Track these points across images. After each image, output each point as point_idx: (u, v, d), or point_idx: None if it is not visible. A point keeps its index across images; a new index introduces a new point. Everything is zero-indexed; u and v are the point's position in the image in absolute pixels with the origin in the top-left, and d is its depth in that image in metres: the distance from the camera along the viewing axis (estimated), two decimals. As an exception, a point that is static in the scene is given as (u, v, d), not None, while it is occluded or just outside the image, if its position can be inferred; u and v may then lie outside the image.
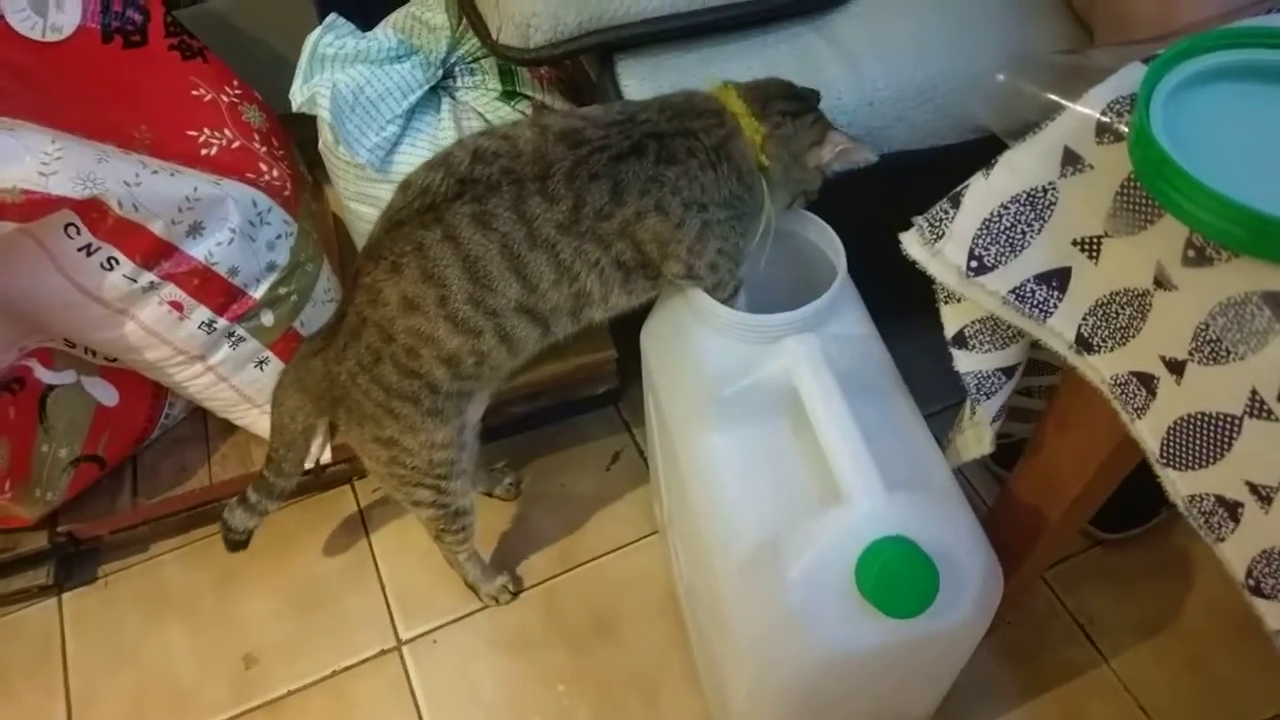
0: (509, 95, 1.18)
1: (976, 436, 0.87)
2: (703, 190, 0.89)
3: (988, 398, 0.81)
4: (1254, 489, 0.59)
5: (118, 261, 1.05)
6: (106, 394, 1.24)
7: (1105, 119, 0.64)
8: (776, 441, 0.87)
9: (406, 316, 0.90)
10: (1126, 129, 0.63)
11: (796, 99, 0.95)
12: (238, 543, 1.20)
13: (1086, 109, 0.65)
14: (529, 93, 1.19)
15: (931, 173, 1.07)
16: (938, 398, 1.07)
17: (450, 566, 1.26)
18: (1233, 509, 0.62)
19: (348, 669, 1.24)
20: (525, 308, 0.90)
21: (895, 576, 0.73)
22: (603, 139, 0.88)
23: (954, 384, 0.82)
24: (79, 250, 1.02)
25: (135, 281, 1.07)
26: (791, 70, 1.06)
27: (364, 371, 0.95)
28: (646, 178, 0.87)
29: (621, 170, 0.87)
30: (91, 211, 1.00)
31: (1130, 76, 0.65)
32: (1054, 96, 0.67)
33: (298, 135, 1.37)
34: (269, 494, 1.15)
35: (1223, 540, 0.63)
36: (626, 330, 1.06)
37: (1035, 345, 0.76)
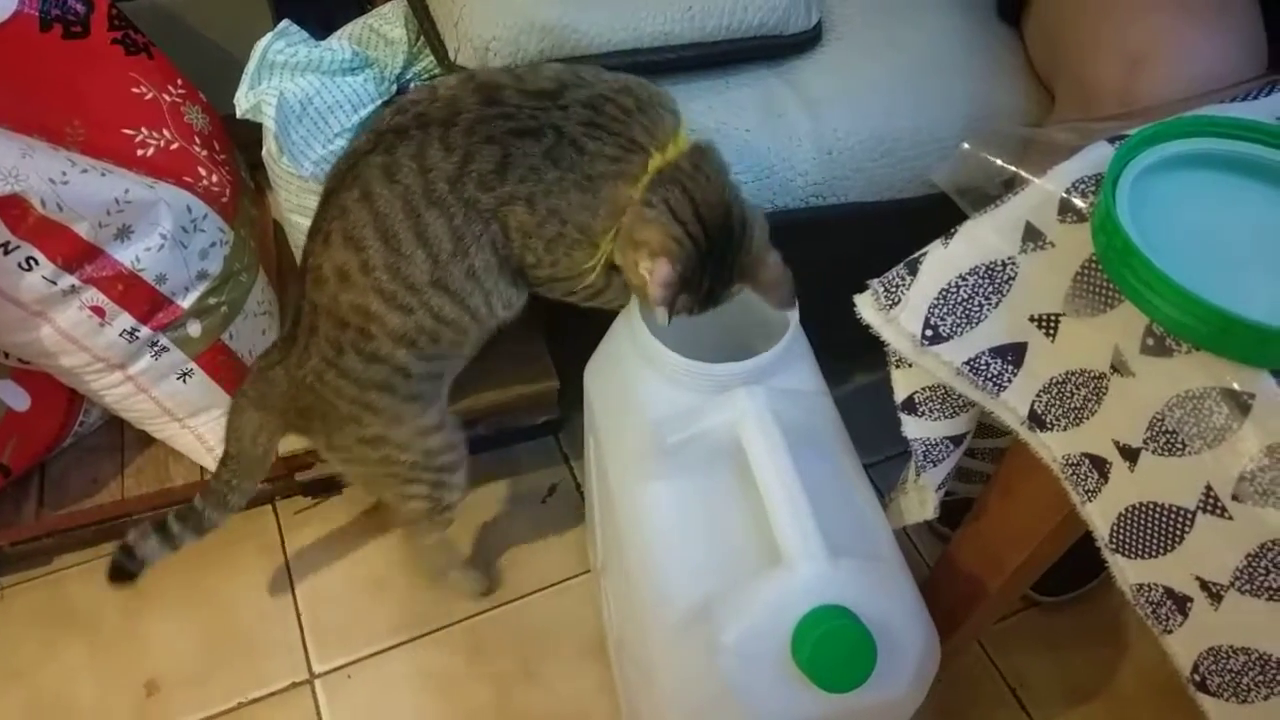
0: (463, 116, 1.15)
1: (920, 500, 0.86)
2: (567, 206, 0.86)
3: (934, 465, 0.79)
4: (1204, 585, 0.58)
5: (37, 262, 0.99)
6: (17, 398, 1.18)
7: (1069, 197, 0.63)
8: (718, 495, 0.84)
9: (343, 290, 0.87)
10: (1089, 209, 0.62)
11: (695, 212, 0.83)
12: (128, 573, 1.09)
13: (1051, 185, 0.64)
14: (484, 115, 1.16)
15: (886, 226, 1.08)
16: (880, 447, 1.05)
17: (415, 558, 1.23)
18: (1181, 603, 0.60)
19: (256, 701, 1.18)
20: (437, 282, 0.86)
21: (832, 648, 0.71)
22: (514, 107, 0.84)
23: (897, 433, 0.80)
24: (-5, 248, 0.97)
25: (55, 284, 1.02)
26: (752, 114, 1.05)
27: (330, 367, 0.91)
28: (529, 166, 0.84)
29: (514, 145, 0.84)
30: (11, 209, 0.95)
31: (1095, 155, 0.64)
32: (1020, 170, 0.66)
33: (241, 139, 1.32)
34: (197, 528, 1.08)
35: (1170, 632, 0.62)
36: (571, 359, 1.03)
37: (985, 410, 0.75)
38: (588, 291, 0.93)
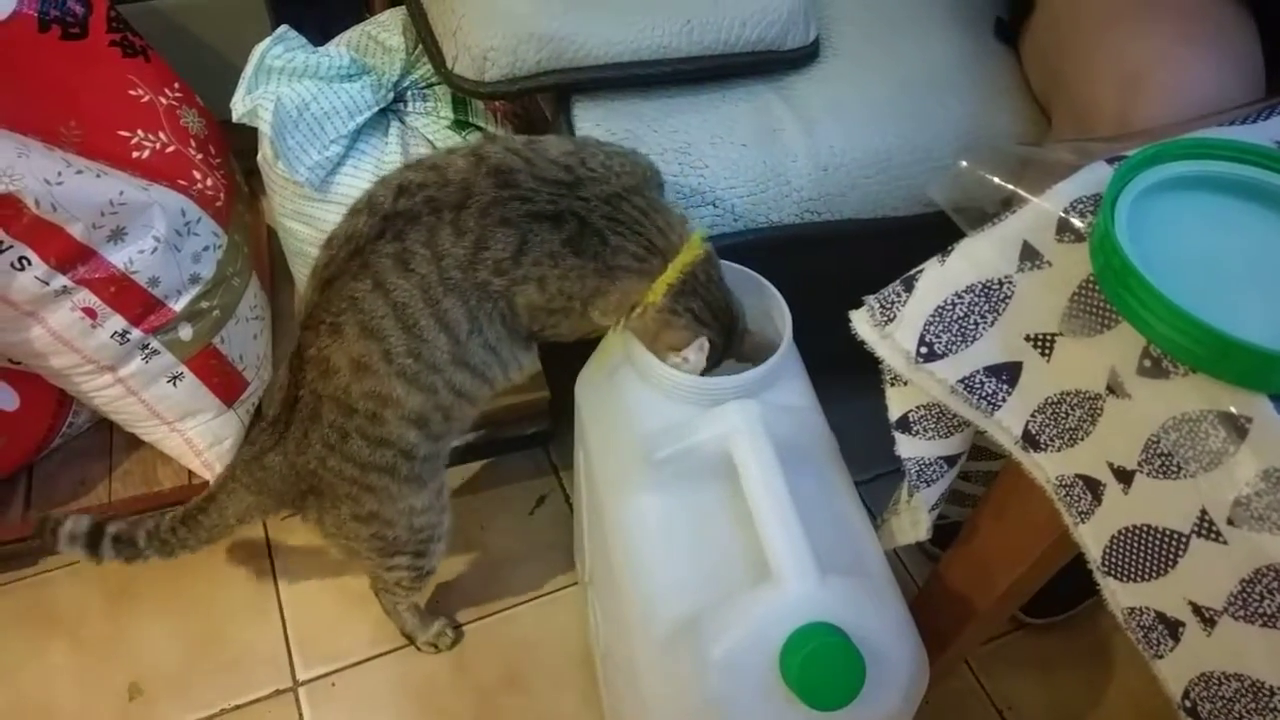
0: (460, 125, 1.15)
1: (913, 521, 0.85)
2: (581, 290, 0.87)
3: (928, 485, 0.79)
4: (1197, 610, 0.58)
5: (30, 262, 0.99)
6: (6, 398, 1.17)
7: (1067, 217, 0.63)
8: (708, 510, 0.84)
9: (360, 380, 0.86)
10: (1087, 229, 0.62)
11: (715, 317, 0.90)
12: (47, 543, 1.07)
13: (1049, 205, 0.64)
14: (481, 124, 1.16)
15: (881, 243, 1.08)
16: (872, 464, 1.05)
17: (388, 616, 1.20)
18: (1173, 627, 0.60)
19: (238, 708, 1.17)
20: (459, 360, 0.87)
21: (821, 666, 0.70)
22: (531, 191, 0.84)
23: (889, 450, 0.80)
24: (-13, 247, 0.96)
25: (47, 284, 1.01)
26: (749, 128, 1.05)
27: (333, 453, 0.90)
28: (548, 251, 0.84)
29: (531, 229, 0.84)
30: (5, 208, 0.94)
31: (1094, 175, 0.64)
32: (1018, 189, 0.66)
33: (237, 144, 1.32)
34: (129, 558, 1.06)
35: (1161, 657, 0.62)
36: (562, 371, 1.03)
37: (978, 431, 0.75)
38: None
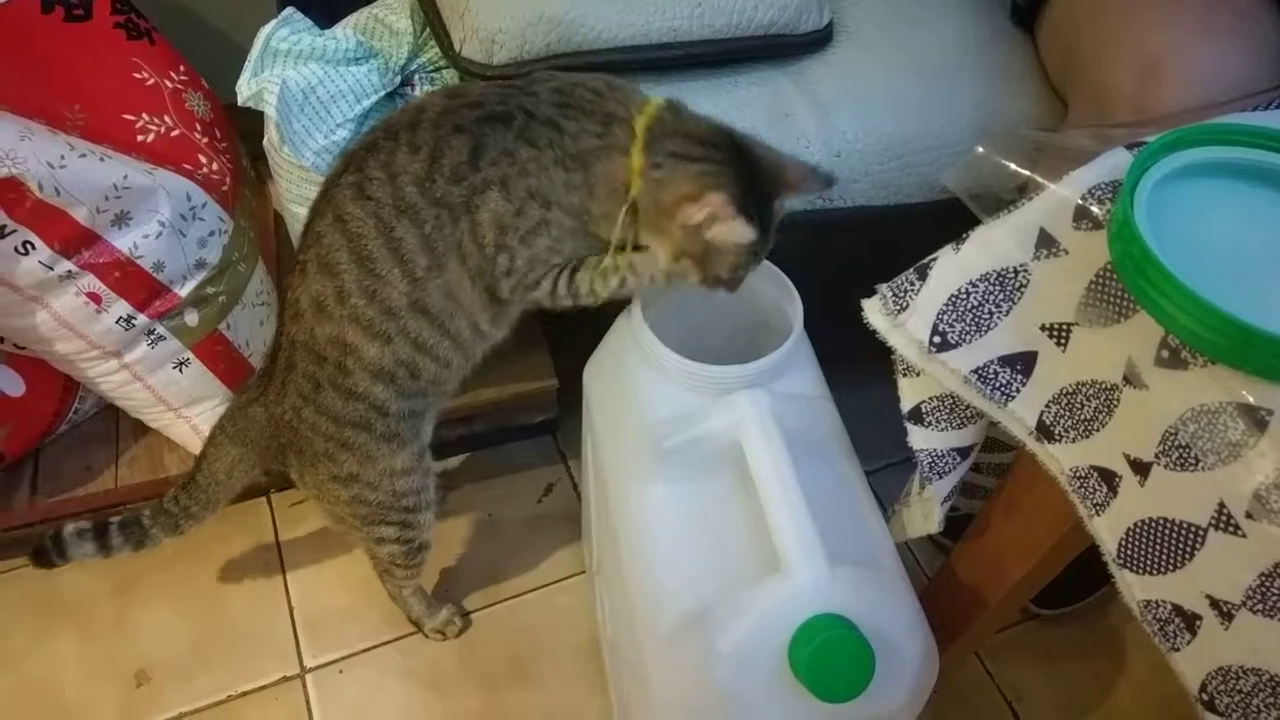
0: (468, 109, 1.14)
1: (924, 513, 0.84)
2: (550, 186, 0.82)
3: (940, 477, 0.78)
4: (1215, 603, 0.57)
5: (34, 246, 0.98)
6: (12, 383, 1.17)
7: (1085, 204, 0.61)
8: (717, 500, 0.83)
9: (320, 323, 0.85)
10: (1105, 217, 0.60)
11: (706, 145, 0.82)
12: (49, 562, 1.07)
13: (1066, 191, 0.63)
14: (490, 108, 1.14)
15: (892, 229, 1.07)
16: (883, 453, 1.04)
17: (394, 601, 1.20)
18: (1190, 621, 0.59)
19: (245, 694, 1.17)
20: (418, 305, 0.84)
21: (830, 658, 0.70)
22: (480, 96, 0.83)
23: (900, 439, 0.79)
24: (-9, 232, 0.95)
25: (51, 269, 1.00)
26: (761, 113, 1.04)
27: (307, 404, 0.90)
28: (502, 149, 0.81)
29: (485, 131, 0.81)
30: (8, 192, 0.93)
31: (1112, 161, 0.63)
32: (1035, 175, 0.65)
33: (243, 127, 1.31)
34: (138, 544, 1.06)
35: (1177, 650, 0.61)
36: (570, 358, 1.02)
37: (992, 423, 0.74)
38: (576, 289, 0.88)
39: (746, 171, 0.81)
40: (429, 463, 1.01)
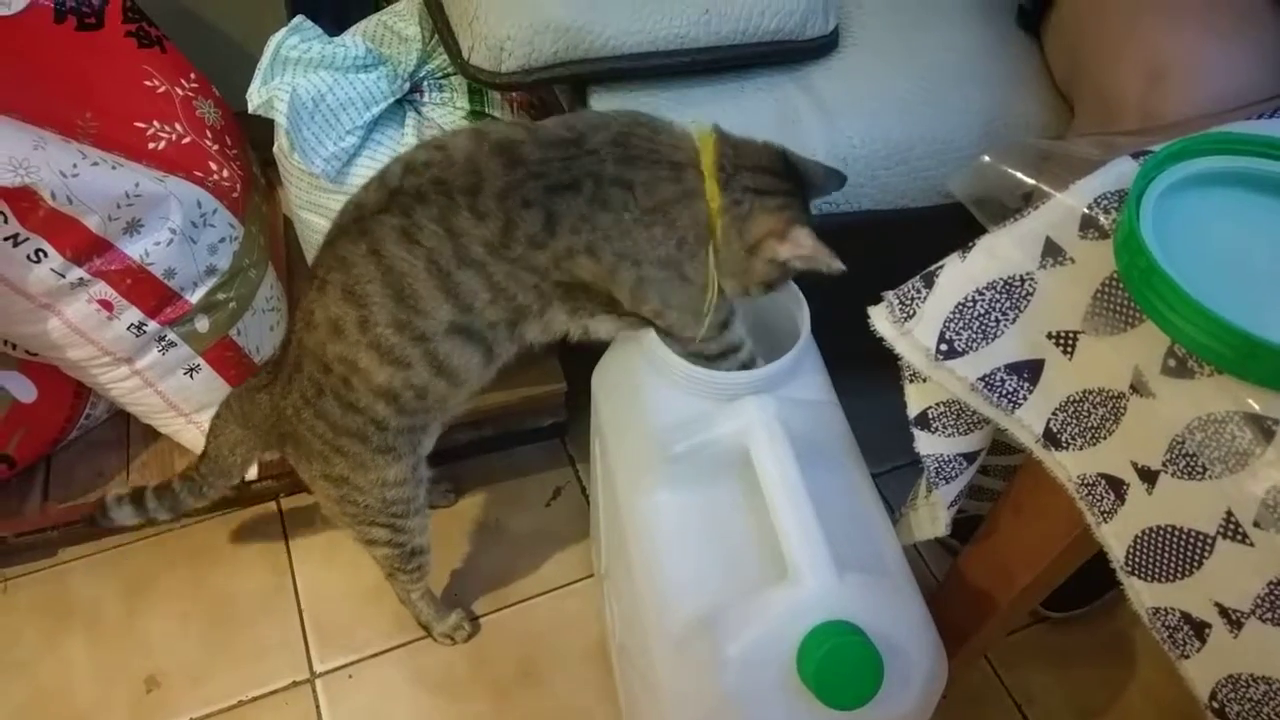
0: (477, 115, 1.14)
1: (931, 517, 0.84)
2: (635, 246, 0.82)
3: (947, 482, 0.78)
4: (1224, 611, 0.57)
5: (46, 254, 0.99)
6: (24, 390, 1.18)
7: (1091, 213, 0.62)
8: (725, 506, 0.84)
9: (334, 341, 0.86)
10: (1112, 227, 0.61)
11: (775, 175, 0.84)
12: (103, 525, 1.15)
13: (1072, 200, 0.63)
14: (497, 115, 1.15)
15: (899, 235, 1.07)
16: (890, 456, 1.04)
17: (402, 604, 1.20)
18: (1199, 628, 0.59)
19: (255, 699, 1.17)
20: (460, 328, 0.84)
21: (838, 665, 0.70)
22: (540, 165, 0.81)
23: (907, 442, 0.79)
24: (4, 239, 0.96)
25: (64, 277, 1.01)
26: (767, 119, 1.04)
27: (308, 406, 0.91)
28: (578, 215, 0.81)
29: (555, 202, 0.81)
30: (21, 200, 0.94)
31: (1118, 170, 0.63)
32: (1041, 184, 0.65)
33: (253, 134, 1.31)
34: (172, 508, 1.10)
35: (1187, 658, 0.61)
36: (578, 362, 1.02)
37: (998, 428, 0.74)
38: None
39: (801, 187, 0.85)
40: (423, 473, 1.02)
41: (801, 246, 0.82)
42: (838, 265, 0.82)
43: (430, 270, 0.81)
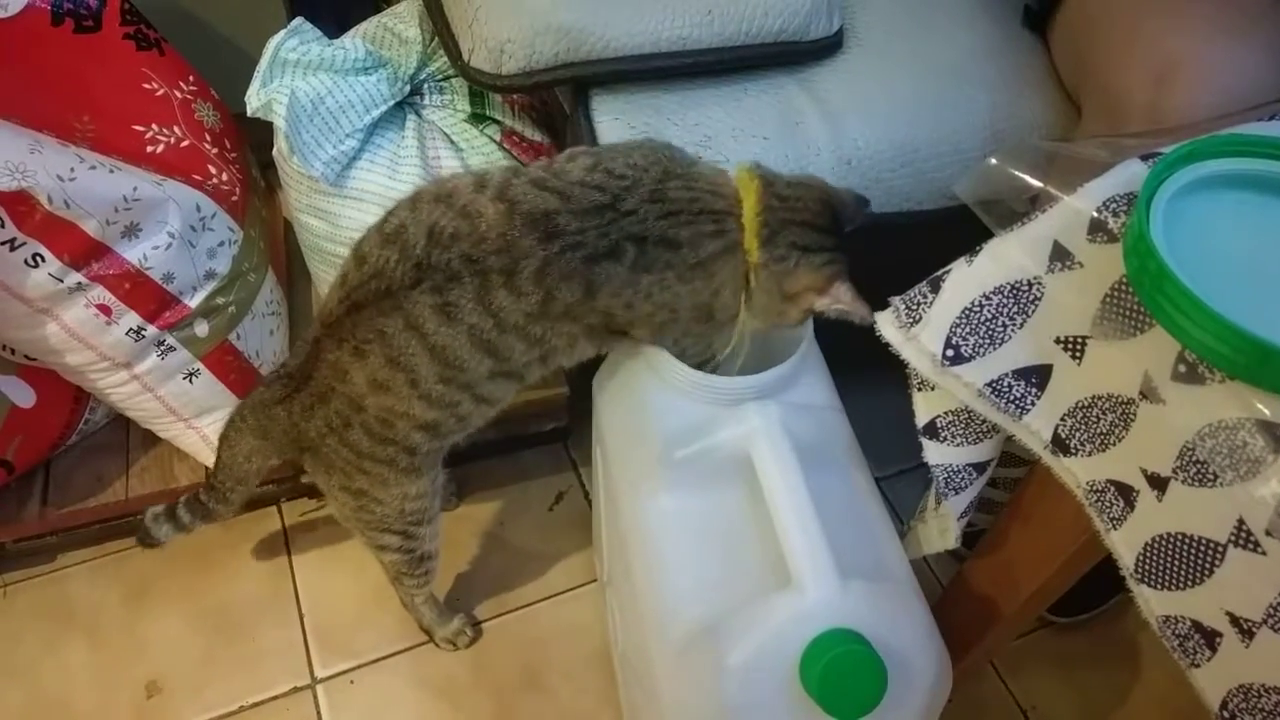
0: (478, 118, 1.14)
1: (940, 529, 0.84)
2: (675, 298, 0.82)
3: (956, 493, 0.77)
4: (1235, 620, 0.56)
5: (43, 259, 0.98)
6: (23, 395, 1.17)
7: (1100, 216, 0.61)
8: (727, 512, 0.83)
9: (377, 396, 0.85)
10: (1120, 230, 0.60)
11: (820, 231, 0.83)
12: (153, 545, 1.15)
13: (1080, 204, 0.62)
14: (499, 117, 1.14)
15: (904, 237, 1.06)
16: (894, 460, 1.03)
17: (406, 609, 1.20)
18: (1210, 637, 0.58)
19: (256, 705, 1.17)
20: (499, 373, 0.85)
21: (842, 674, 0.69)
22: (577, 234, 0.79)
23: (911, 446, 0.78)
24: (1, 244, 0.95)
25: (61, 281, 1.00)
26: (771, 121, 1.03)
27: (333, 434, 0.90)
28: (621, 281, 0.80)
29: (595, 272, 0.80)
30: (18, 205, 0.93)
31: (1127, 173, 0.62)
32: (1049, 187, 0.64)
33: (253, 137, 1.31)
34: (204, 517, 1.10)
35: (1197, 666, 0.60)
36: (581, 367, 1.01)
37: (1009, 438, 0.73)
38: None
39: (841, 235, 0.84)
40: (440, 481, 1.01)
41: (840, 301, 0.82)
42: (871, 319, 0.78)
43: (473, 339, 0.81)
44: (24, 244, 0.96)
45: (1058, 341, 0.64)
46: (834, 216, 0.84)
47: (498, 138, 1.13)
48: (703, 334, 0.87)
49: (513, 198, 0.80)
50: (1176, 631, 0.61)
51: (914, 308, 0.68)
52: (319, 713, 1.16)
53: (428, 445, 0.91)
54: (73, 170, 0.97)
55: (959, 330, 0.66)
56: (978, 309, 0.66)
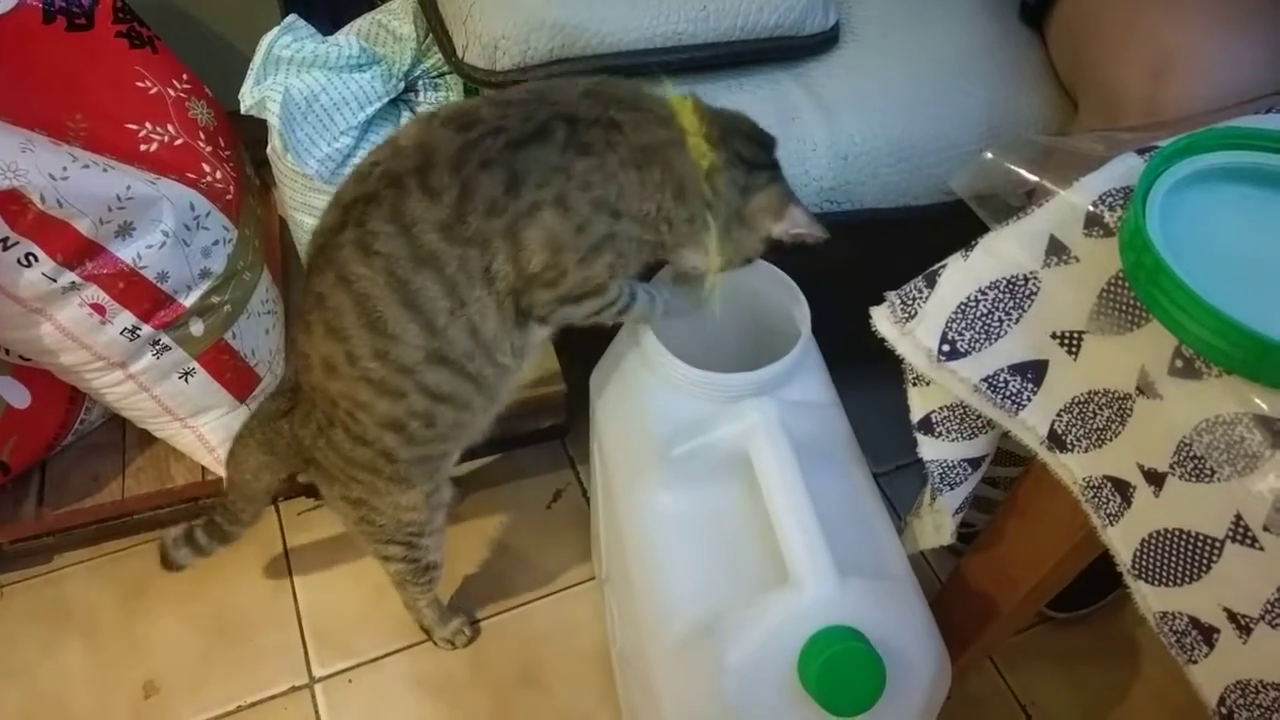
0: (472, 115, 1.13)
1: (936, 525, 0.83)
2: (620, 193, 0.75)
3: (951, 489, 0.77)
4: (1232, 616, 0.56)
5: (37, 258, 0.98)
6: (17, 395, 1.16)
7: (1096, 210, 0.60)
8: (725, 509, 0.82)
9: (331, 380, 0.84)
10: (1117, 224, 0.59)
11: (760, 145, 0.83)
12: (176, 569, 1.15)
13: (1076, 198, 0.62)
14: (493, 114, 1.14)
15: (901, 232, 1.06)
16: (892, 456, 1.03)
17: (406, 609, 1.19)
18: (1208, 633, 0.58)
19: (254, 705, 1.16)
20: (436, 356, 0.80)
21: (840, 671, 0.69)
22: (499, 119, 0.74)
23: (909, 442, 0.77)
24: (-6, 244, 0.95)
25: (55, 281, 1.00)
26: (766, 116, 1.02)
27: (322, 436, 0.90)
28: (550, 167, 0.73)
29: (520, 158, 0.72)
30: (10, 204, 0.93)
31: (1123, 167, 0.62)
32: (1045, 181, 0.63)
33: (247, 135, 1.30)
34: (221, 539, 1.10)
35: (1195, 663, 0.60)
36: (578, 363, 1.01)
37: (1005, 434, 0.73)
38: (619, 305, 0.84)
39: (767, 154, 0.85)
40: (443, 497, 1.01)
41: (797, 224, 0.82)
42: (821, 235, 0.81)
43: (390, 284, 0.76)
44: (17, 243, 0.95)
45: (1054, 337, 0.64)
46: (763, 136, 0.84)
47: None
48: (632, 264, 0.80)
49: (431, 112, 0.78)
50: (1174, 628, 0.61)
51: (909, 303, 0.68)
52: (317, 712, 1.16)
53: (406, 452, 0.89)
54: (65, 169, 0.97)
55: (954, 325, 0.66)
56: (973, 304, 0.65)
